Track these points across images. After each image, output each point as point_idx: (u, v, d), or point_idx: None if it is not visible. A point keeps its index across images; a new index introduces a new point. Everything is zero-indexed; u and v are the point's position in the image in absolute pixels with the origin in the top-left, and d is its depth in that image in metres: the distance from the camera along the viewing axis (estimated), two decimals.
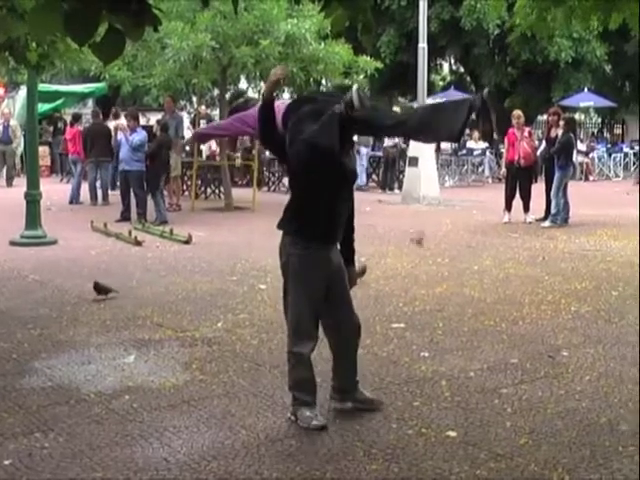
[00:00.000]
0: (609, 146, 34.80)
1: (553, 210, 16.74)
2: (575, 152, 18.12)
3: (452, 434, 5.60)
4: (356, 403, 6.06)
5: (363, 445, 5.41)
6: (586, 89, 33.46)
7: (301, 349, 5.82)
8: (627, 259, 12.60)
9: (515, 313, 9.11)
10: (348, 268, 6.03)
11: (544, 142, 18.30)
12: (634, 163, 32.87)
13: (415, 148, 21.47)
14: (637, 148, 34.39)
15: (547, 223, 16.63)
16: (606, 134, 42.70)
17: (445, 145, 28.47)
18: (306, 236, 5.69)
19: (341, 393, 6.07)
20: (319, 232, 5.74)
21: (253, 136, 8.86)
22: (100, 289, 9.76)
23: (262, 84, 27.50)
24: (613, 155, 32.41)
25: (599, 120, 43.81)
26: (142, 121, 22.96)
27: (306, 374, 5.87)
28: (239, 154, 24.87)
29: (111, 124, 22.77)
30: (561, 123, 17.24)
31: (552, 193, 16.81)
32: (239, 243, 14.21)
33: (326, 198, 5.68)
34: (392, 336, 8.12)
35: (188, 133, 27.00)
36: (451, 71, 42.99)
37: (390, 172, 25.67)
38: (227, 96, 23.94)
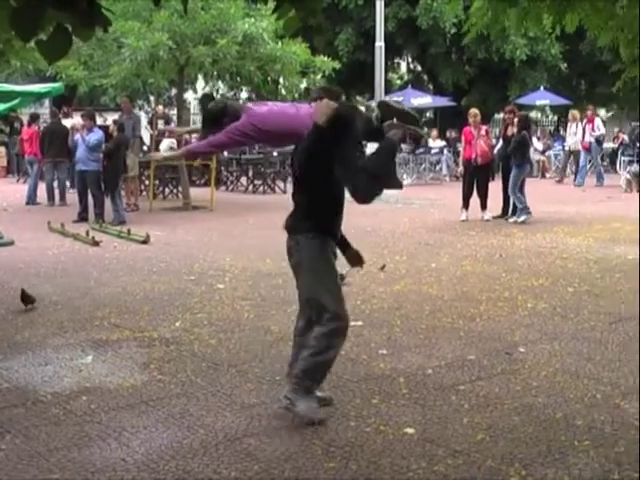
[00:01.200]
0: (565, 144, 34.95)
1: (519, 205, 16.85)
2: (532, 149, 18.28)
3: (410, 431, 5.62)
4: None
5: (321, 443, 5.42)
6: (542, 87, 33.71)
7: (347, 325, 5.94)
8: (583, 256, 12.72)
9: (472, 310, 9.16)
10: (351, 251, 6.28)
11: (501, 140, 18.42)
12: (589, 160, 33.05)
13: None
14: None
15: (522, 217, 16.71)
16: (562, 132, 43.03)
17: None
18: (322, 232, 5.90)
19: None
20: (330, 227, 6.00)
21: (259, 143, 8.28)
22: (25, 298, 9.31)
23: (220, 83, 27.45)
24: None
25: (555, 118, 44.18)
26: (99, 121, 22.81)
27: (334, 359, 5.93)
28: None
29: (66, 123, 22.60)
30: (516, 121, 17.39)
31: (509, 191, 16.94)
32: (197, 243, 14.18)
33: (335, 196, 5.92)
34: (350, 334, 8.08)
35: (145, 133, 26.92)
36: (408, 70, 43.07)
37: None
38: (189, 98, 23.82)
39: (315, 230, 5.88)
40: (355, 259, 6.34)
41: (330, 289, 5.88)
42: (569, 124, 28.13)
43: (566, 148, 28.53)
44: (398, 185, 6.05)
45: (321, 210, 5.91)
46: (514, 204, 17.14)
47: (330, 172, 5.69)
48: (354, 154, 5.76)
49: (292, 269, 6.07)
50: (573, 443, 5.41)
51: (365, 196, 5.78)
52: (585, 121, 27.07)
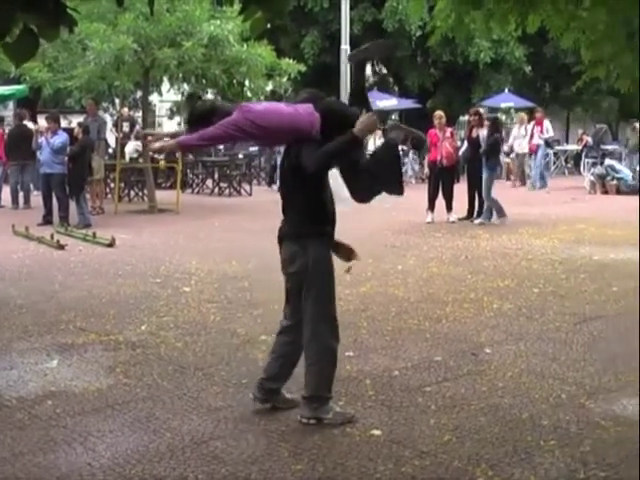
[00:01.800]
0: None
1: (494, 207, 16.91)
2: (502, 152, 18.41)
3: (377, 433, 5.63)
4: (277, 403, 6.07)
5: (288, 446, 5.41)
6: (506, 90, 33.84)
7: (336, 345, 5.93)
8: (548, 257, 12.79)
9: (438, 312, 9.19)
10: (343, 246, 6.23)
11: (466, 142, 18.49)
12: (554, 162, 33.28)
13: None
14: (557, 148, 34.88)
15: (496, 221, 16.80)
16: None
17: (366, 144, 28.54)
18: (330, 232, 5.96)
19: (268, 394, 6.06)
20: (334, 227, 6.02)
21: (257, 142, 8.03)
22: None
23: (185, 86, 27.33)
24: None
25: None
26: (63, 123, 22.68)
27: (334, 369, 5.96)
28: (162, 156, 24.70)
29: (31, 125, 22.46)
30: (487, 124, 17.46)
31: (484, 195, 16.97)
32: (163, 245, 14.12)
33: (330, 198, 5.99)
34: None
35: (110, 135, 26.76)
36: (374, 72, 43.12)
37: None
38: (154, 100, 23.74)
39: (325, 231, 5.91)
40: (347, 253, 6.27)
41: (332, 309, 5.96)
42: (516, 126, 28.07)
43: (514, 152, 28.18)
44: (398, 191, 5.98)
45: (327, 210, 5.94)
46: (480, 205, 17.22)
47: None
48: (355, 154, 5.83)
49: (291, 276, 5.92)
50: (539, 443, 5.44)
51: (364, 196, 5.92)
52: (534, 123, 27.06)
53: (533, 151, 26.78)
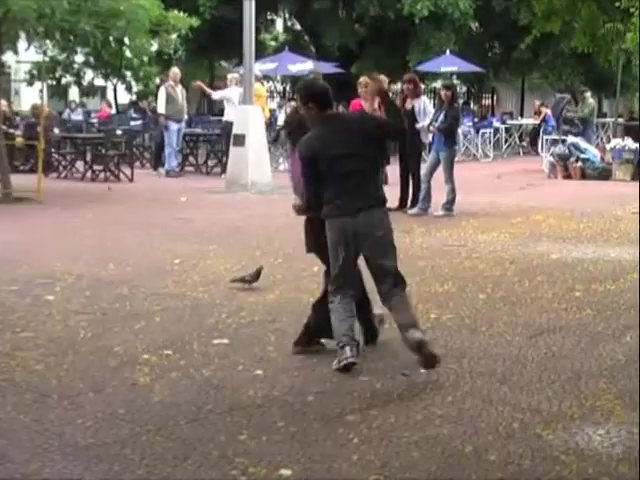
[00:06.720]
0: (476, 120, 35.42)
1: (449, 196, 17.05)
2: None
3: (286, 472, 5.64)
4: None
5: None
6: (448, 51, 34.01)
7: None
8: (497, 255, 12.93)
9: None
10: None
11: None
12: (506, 140, 33.52)
13: (242, 122, 21.55)
14: (509, 122, 35.20)
15: (440, 212, 16.92)
16: (473, 106, 43.70)
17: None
18: None
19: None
20: None
21: None
22: None
23: (48, 42, 27.06)
24: (481, 131, 32.80)
25: (464, 89, 44.84)
26: None
27: None
28: (19, 131, 24.40)
29: None
30: (447, 94, 17.54)
31: (445, 178, 17.07)
32: (20, 244, 13.94)
33: None
34: (213, 355, 8.13)
35: None
36: (285, 28, 43.25)
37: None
38: (9, 61, 23.37)
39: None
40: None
41: None
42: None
43: None
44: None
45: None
46: (414, 193, 17.34)
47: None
48: None
49: (379, 240, 7.89)
50: None
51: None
52: None
53: None
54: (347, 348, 7.64)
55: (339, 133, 7.76)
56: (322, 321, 8.05)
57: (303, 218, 8.35)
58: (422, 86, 22.07)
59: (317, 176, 7.77)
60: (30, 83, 38.15)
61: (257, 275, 10.65)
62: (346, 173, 7.71)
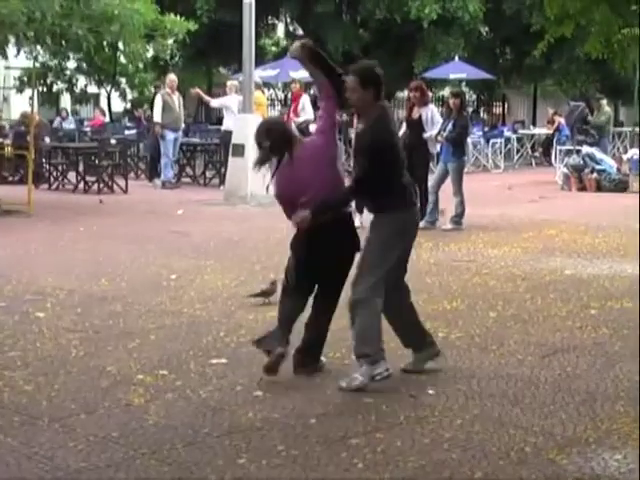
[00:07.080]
0: (486, 130, 35.40)
1: (458, 209, 17.04)
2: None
3: None
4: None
5: None
6: (457, 57, 33.97)
7: None
8: (507, 271, 12.91)
9: None
10: None
11: (404, 125, 18.59)
12: (517, 150, 33.46)
13: (241, 132, 21.52)
14: (521, 132, 35.14)
15: (449, 225, 16.92)
16: (483, 114, 43.68)
17: None
18: None
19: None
20: None
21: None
22: None
23: (38, 48, 27.07)
24: (492, 141, 32.71)
25: (474, 97, 44.80)
26: None
27: None
28: (9, 141, 24.39)
29: None
30: (455, 102, 17.52)
31: (453, 190, 17.07)
32: (9, 258, 13.94)
33: None
34: (211, 375, 8.11)
35: None
36: (287, 33, 43.26)
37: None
38: None
39: None
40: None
41: None
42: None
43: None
44: None
45: None
46: (422, 205, 17.33)
47: None
48: None
49: (408, 242, 8.67)
50: None
51: None
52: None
53: None
54: (383, 362, 7.71)
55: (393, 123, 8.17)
56: (317, 339, 8.23)
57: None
58: (429, 94, 22.00)
59: (389, 165, 8.06)
60: (20, 90, 38.17)
61: (275, 287, 10.59)
62: (404, 165, 8.19)
